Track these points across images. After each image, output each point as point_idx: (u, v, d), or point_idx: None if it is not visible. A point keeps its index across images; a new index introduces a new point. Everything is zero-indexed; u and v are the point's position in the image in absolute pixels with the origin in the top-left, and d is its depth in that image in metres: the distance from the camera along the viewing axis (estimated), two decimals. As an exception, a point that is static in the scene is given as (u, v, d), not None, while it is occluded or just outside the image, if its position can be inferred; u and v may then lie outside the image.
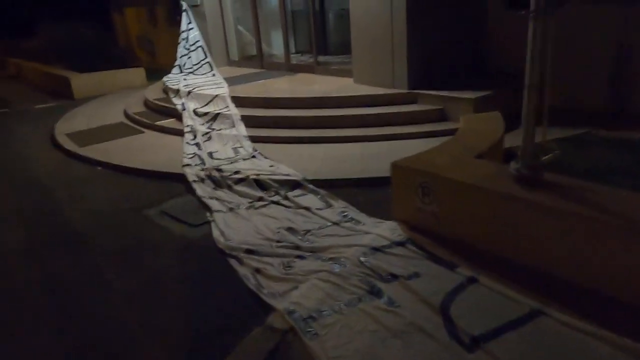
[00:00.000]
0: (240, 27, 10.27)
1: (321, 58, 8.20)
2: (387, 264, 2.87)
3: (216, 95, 6.69)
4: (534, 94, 2.65)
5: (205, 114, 6.41)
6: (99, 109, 8.78)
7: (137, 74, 11.86)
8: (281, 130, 5.74)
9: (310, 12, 7.60)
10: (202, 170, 4.82)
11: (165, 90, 8.11)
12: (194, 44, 9.65)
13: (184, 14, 9.93)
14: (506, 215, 2.68)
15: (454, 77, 6.19)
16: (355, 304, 2.55)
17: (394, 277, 2.73)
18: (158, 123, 6.74)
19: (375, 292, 2.62)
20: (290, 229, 3.55)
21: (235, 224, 3.74)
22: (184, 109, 6.68)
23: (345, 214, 3.70)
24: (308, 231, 3.49)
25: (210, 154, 5.30)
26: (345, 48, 9.76)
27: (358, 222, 3.53)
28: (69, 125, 7.64)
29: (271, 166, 4.75)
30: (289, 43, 8.56)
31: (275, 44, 10.34)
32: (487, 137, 3.65)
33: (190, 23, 9.84)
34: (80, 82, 10.99)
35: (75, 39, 14.81)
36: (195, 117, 6.43)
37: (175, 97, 7.46)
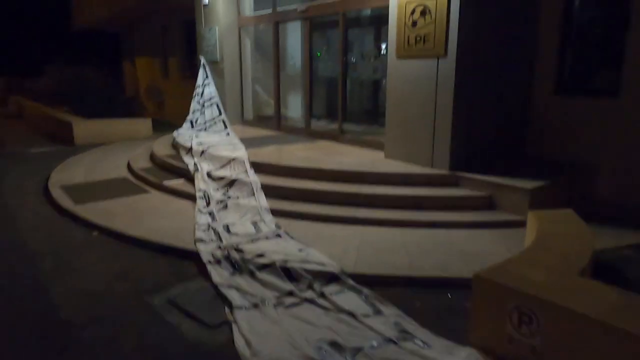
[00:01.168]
0: (257, 87, 9.94)
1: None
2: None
3: (233, 158, 6.10)
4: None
5: (221, 178, 5.78)
6: (100, 160, 8.14)
7: (143, 125, 11.37)
8: (307, 205, 5.10)
9: (339, 78, 7.20)
10: (219, 248, 4.10)
11: (175, 146, 7.53)
12: (208, 100, 9.23)
13: (201, 68, 9.61)
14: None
15: (497, 161, 5.68)
16: None
17: None
18: (166, 183, 6.08)
19: None
20: (334, 345, 2.81)
21: (262, 328, 2.99)
22: (196, 170, 6.06)
23: (401, 328, 2.97)
24: (359, 350, 2.75)
25: (226, 228, 4.61)
26: (368, 117, 9.48)
27: (423, 343, 2.79)
28: (66, 175, 6.96)
29: (300, 250, 4.05)
30: (310, 108, 8.12)
31: (291, 107, 9.99)
32: (580, 246, 3.02)
33: (206, 78, 9.49)
34: (83, 128, 10.44)
35: (82, 83, 14.48)
36: (209, 181, 5.80)
37: (186, 155, 6.87)
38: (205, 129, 8.74)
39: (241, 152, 6.36)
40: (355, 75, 9.18)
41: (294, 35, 10.00)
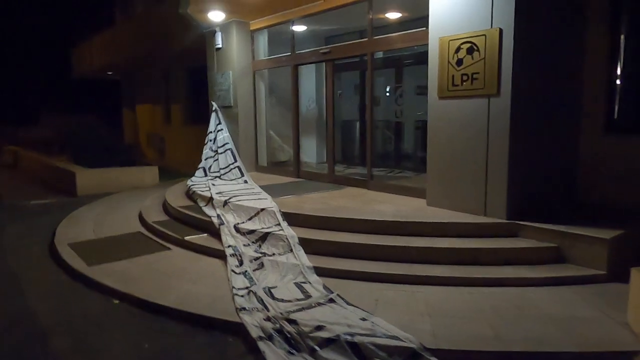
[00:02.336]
0: (271, 132, 9.54)
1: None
2: None
3: (262, 209, 5.56)
4: None
5: (251, 232, 5.21)
6: (108, 212, 7.55)
7: (148, 173, 10.84)
8: (352, 262, 4.53)
9: (368, 121, 6.79)
10: (268, 319, 3.50)
11: (192, 196, 6.99)
12: (222, 146, 8.78)
13: (213, 114, 9.23)
14: None
15: (554, 208, 5.20)
16: None
17: None
18: (188, 239, 5.49)
19: None
20: None
21: None
22: (221, 223, 5.49)
23: None
24: None
25: (269, 292, 4.01)
26: (395, 161, 9.07)
27: None
28: (74, 231, 6.35)
29: (364, 320, 3.45)
30: (334, 153, 7.68)
31: (308, 151, 9.58)
32: None
33: (219, 124, 9.08)
34: (86, 177, 9.88)
35: (83, 131, 14.09)
36: (238, 236, 5.23)
37: (206, 206, 6.32)
38: (220, 177, 8.24)
39: (269, 202, 5.83)
40: (380, 117, 8.87)
41: (307, 78, 9.74)
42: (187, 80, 14.44)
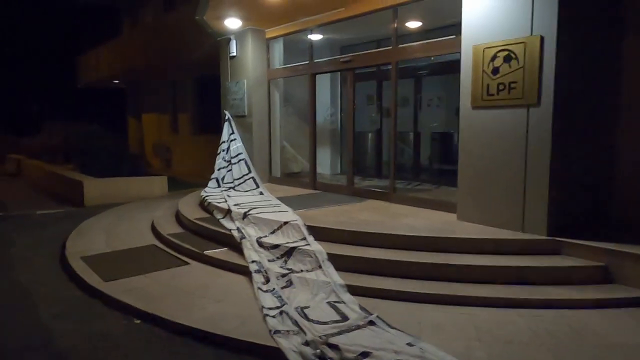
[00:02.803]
0: (284, 142, 9.31)
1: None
2: None
3: (285, 222, 5.29)
4: None
5: (275, 246, 4.94)
6: (118, 223, 7.27)
7: (158, 183, 10.58)
8: (388, 281, 4.25)
9: (392, 132, 6.55)
10: (306, 343, 3.22)
11: (207, 207, 6.73)
12: (235, 156, 8.54)
13: (225, 123, 9.00)
14: None
15: (594, 225, 4.95)
16: None
17: None
18: (208, 253, 5.22)
19: None
20: None
21: None
22: (243, 237, 5.22)
23: None
24: None
25: (302, 312, 3.73)
26: (415, 173, 8.84)
27: None
28: (85, 243, 6.08)
29: (410, 345, 3.18)
30: (354, 164, 7.44)
31: (322, 163, 9.34)
32: None
33: (232, 134, 8.85)
34: (94, 187, 9.62)
35: (90, 140, 13.84)
36: (261, 250, 4.96)
37: (223, 218, 6.06)
38: (234, 188, 7.98)
39: (292, 215, 5.56)
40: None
41: (322, 87, 9.54)
42: (196, 89, 14.27)
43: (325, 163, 9.66)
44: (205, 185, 8.15)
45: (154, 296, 4.16)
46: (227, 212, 6.08)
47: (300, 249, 4.77)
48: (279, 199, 6.85)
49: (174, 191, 10.63)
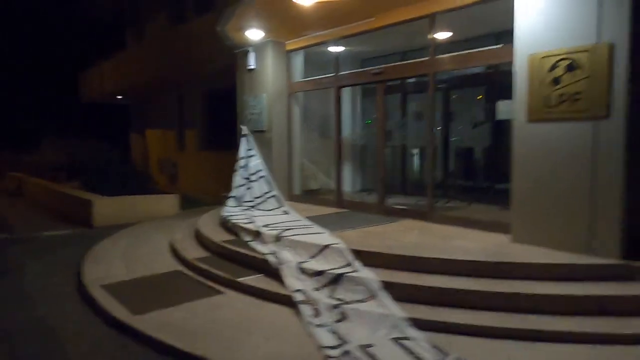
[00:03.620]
0: (303, 158, 8.92)
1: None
2: None
3: (326, 246, 4.87)
4: None
5: (319, 273, 4.50)
6: (135, 246, 6.81)
7: (168, 202, 10.13)
8: (454, 313, 3.82)
9: (430, 146, 6.16)
10: (386, 394, 2.78)
11: (232, 228, 6.29)
12: (255, 173, 8.12)
13: (243, 139, 8.59)
14: None
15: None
16: None
17: None
18: (243, 281, 4.76)
19: None
20: None
21: None
22: (280, 263, 4.79)
23: None
24: None
25: (369, 354, 3.29)
26: (443, 190, 8.42)
27: None
28: (102, 269, 5.62)
29: (507, 394, 2.75)
30: (385, 181, 7.04)
31: (345, 179, 8.94)
32: None
33: (250, 149, 8.44)
34: (103, 207, 9.15)
35: (93, 157, 13.40)
36: (304, 278, 4.52)
37: (253, 240, 5.62)
38: (255, 207, 7.55)
39: (330, 238, 5.14)
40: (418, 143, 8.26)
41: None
42: (204, 104, 13.90)
43: (346, 179, 9.26)
44: (217, 204, 7.72)
45: (194, 332, 3.70)
46: (257, 234, 5.65)
47: (348, 276, 4.33)
48: (307, 218, 6.44)
49: (185, 210, 10.19)
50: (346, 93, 9.16)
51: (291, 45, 8.24)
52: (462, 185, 8.74)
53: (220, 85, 12.64)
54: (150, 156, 17.39)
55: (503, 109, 6.14)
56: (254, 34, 7.56)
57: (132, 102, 18.84)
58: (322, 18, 6.61)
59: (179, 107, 15.11)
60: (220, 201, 10.40)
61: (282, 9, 6.33)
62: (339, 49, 7.66)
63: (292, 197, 8.48)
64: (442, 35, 6.19)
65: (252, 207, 7.55)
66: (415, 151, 9.06)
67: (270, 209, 7.39)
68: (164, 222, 8.73)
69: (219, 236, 6.17)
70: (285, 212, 7.09)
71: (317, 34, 7.49)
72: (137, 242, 7.06)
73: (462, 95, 8.31)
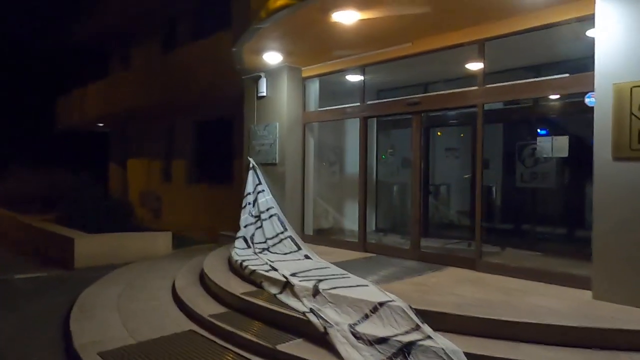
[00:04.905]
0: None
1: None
2: None
3: (381, 304, 4.02)
4: None
5: (381, 340, 3.63)
6: (131, 295, 5.77)
7: (161, 240, 9.07)
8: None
9: (478, 184, 5.49)
10: None
11: (250, 277, 5.36)
12: (265, 211, 7.27)
13: (250, 172, 7.77)
14: None
15: None
16: None
17: None
18: (283, 349, 3.83)
19: None
20: None
21: None
22: (328, 326, 3.90)
23: None
24: None
25: None
26: (468, 232, 7.67)
27: None
28: (96, 328, 4.58)
29: None
30: (421, 222, 6.30)
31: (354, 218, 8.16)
32: None
33: (259, 184, 7.61)
34: (87, 245, 8.06)
35: (70, 187, 12.21)
36: (361, 346, 3.64)
37: (282, 293, 4.72)
38: (268, 249, 6.65)
39: (382, 293, 4.30)
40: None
41: (351, 133, 8.52)
42: (195, 134, 13.03)
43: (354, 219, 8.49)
44: (210, 242, 6.81)
45: None
46: (285, 286, 4.76)
47: (421, 345, 3.48)
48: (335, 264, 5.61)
49: (177, 249, 9.16)
50: (354, 125, 8.49)
51: (308, 71, 7.59)
52: (490, 227, 8.02)
53: (212, 116, 11.86)
54: (130, 188, 16.23)
55: (558, 145, 5.56)
56: (272, 57, 6.87)
57: (113, 129, 17.78)
58: (356, 40, 5.97)
59: (167, 137, 14.17)
60: (216, 239, 9.44)
61: (318, 29, 5.65)
62: (359, 77, 7.02)
63: (304, 238, 7.60)
64: (492, 64, 5.62)
65: (266, 249, 6.66)
66: (443, 188, 8.41)
67: (288, 252, 6.50)
68: (157, 264, 7.69)
69: (235, 286, 5.23)
70: (307, 257, 6.21)
71: (343, 59, 6.85)
72: (132, 290, 6.01)
73: (510, 129, 7.69)
